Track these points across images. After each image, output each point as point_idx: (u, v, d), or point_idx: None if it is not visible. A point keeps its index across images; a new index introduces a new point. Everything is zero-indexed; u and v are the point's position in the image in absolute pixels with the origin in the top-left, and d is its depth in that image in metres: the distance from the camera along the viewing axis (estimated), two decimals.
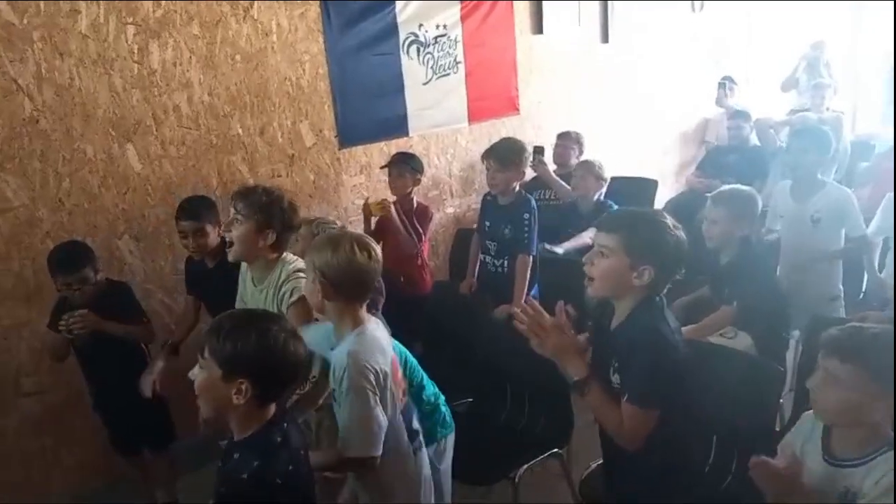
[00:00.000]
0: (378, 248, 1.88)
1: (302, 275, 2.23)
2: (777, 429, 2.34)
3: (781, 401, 2.45)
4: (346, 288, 1.81)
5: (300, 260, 2.33)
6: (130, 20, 2.95)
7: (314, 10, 3.51)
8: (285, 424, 1.56)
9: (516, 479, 2.45)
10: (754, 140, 5.24)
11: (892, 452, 1.49)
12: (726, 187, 2.93)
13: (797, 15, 6.43)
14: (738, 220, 2.75)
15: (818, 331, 2.70)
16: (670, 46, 5.57)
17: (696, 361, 2.31)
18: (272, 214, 2.29)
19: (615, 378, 1.73)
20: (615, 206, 3.80)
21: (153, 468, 2.98)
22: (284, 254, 2.37)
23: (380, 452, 1.77)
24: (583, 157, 4.26)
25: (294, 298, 2.22)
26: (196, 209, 2.74)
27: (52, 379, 2.92)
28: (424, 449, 2.02)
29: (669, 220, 1.75)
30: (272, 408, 1.55)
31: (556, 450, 2.60)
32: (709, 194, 2.94)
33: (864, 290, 3.27)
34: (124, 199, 3.04)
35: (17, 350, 2.86)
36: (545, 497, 2.80)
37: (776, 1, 6.18)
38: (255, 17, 3.32)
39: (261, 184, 2.61)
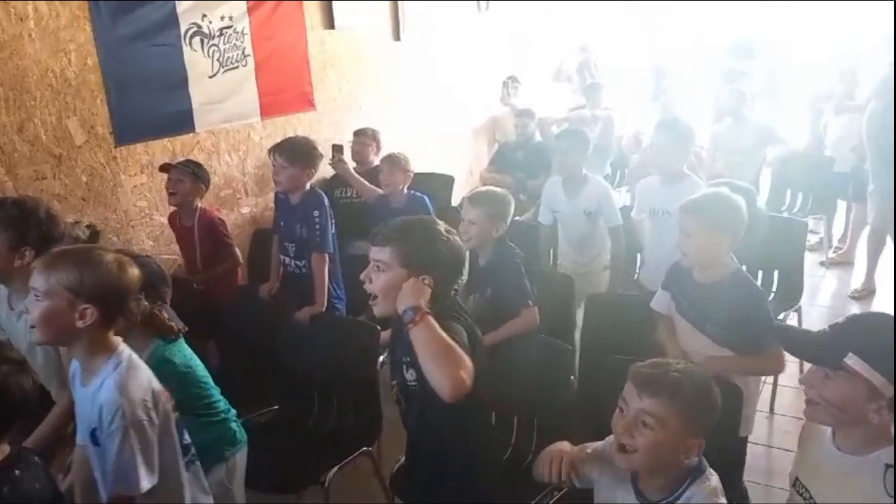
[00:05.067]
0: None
1: None
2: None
3: (573, 377, 2.62)
4: (109, 310, 1.62)
5: None
6: None
7: None
8: (17, 471, 1.37)
9: (326, 483, 2.39)
10: (538, 136, 5.60)
11: (699, 481, 1.53)
12: (482, 188, 3.02)
13: (571, 19, 6.98)
14: (493, 221, 2.76)
15: (596, 306, 2.98)
16: (459, 46, 5.78)
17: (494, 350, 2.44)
18: (27, 230, 2.03)
19: (409, 374, 1.71)
20: (426, 198, 3.85)
21: None
22: None
23: (155, 481, 1.63)
24: (382, 153, 4.28)
25: None
26: None
27: None
28: (198, 464, 1.90)
29: (442, 227, 1.75)
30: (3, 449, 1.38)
31: (365, 448, 2.57)
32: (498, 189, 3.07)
33: (638, 268, 3.61)
34: None
35: None
36: (357, 497, 2.76)
37: (552, 1, 6.67)
38: None
39: (9, 196, 2.29)
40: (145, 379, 1.66)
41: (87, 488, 1.78)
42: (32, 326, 1.62)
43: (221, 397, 2.13)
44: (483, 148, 6.35)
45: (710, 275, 2.29)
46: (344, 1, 4.57)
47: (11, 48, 2.96)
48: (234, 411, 2.19)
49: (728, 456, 2.06)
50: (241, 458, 2.18)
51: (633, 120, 5.99)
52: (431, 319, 1.55)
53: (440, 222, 1.79)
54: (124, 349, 1.68)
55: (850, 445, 1.49)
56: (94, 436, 1.62)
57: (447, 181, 4.84)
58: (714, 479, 1.56)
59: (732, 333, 2.23)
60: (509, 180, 5.03)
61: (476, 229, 2.77)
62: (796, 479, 1.64)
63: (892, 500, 1.18)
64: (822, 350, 1.49)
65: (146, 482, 1.60)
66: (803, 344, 1.59)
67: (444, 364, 1.49)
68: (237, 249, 3.51)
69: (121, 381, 1.60)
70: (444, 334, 1.53)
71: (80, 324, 1.58)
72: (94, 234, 2.48)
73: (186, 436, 1.85)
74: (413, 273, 1.66)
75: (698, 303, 2.32)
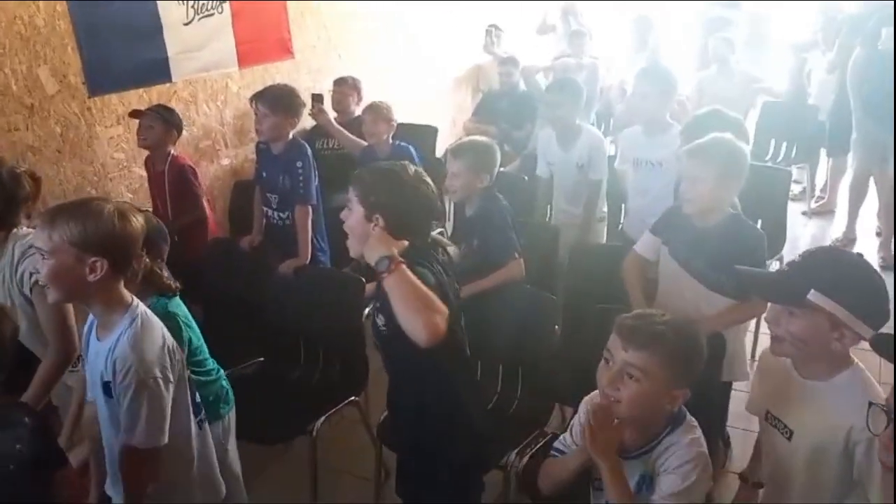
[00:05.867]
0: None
1: None
2: None
3: (556, 327, 2.63)
4: (118, 261, 1.59)
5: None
6: None
7: None
8: None
9: (314, 433, 2.41)
10: (522, 85, 5.53)
11: (678, 429, 1.56)
12: (466, 139, 2.96)
13: None
14: (478, 172, 2.70)
15: (579, 255, 2.98)
16: None
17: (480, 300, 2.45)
18: None
19: (379, 319, 1.76)
20: (412, 149, 3.78)
21: None
22: (15, 229, 2.07)
23: (165, 441, 1.65)
24: (363, 103, 4.20)
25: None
26: None
27: None
28: (207, 425, 1.90)
29: (412, 171, 1.77)
30: None
31: (353, 397, 2.59)
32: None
33: (622, 220, 3.61)
34: None
35: None
36: (345, 446, 2.80)
37: None
38: None
39: None
40: (160, 335, 1.65)
41: (99, 445, 1.79)
42: (41, 285, 1.61)
43: (210, 356, 2.12)
44: (466, 97, 6.26)
45: (711, 219, 2.29)
46: None
47: None
48: (222, 370, 2.18)
49: (711, 401, 2.10)
50: (233, 416, 2.18)
51: (618, 69, 5.91)
52: (405, 268, 1.55)
53: (415, 169, 1.79)
54: (139, 305, 1.67)
55: (812, 373, 1.58)
56: (107, 388, 1.62)
57: (430, 132, 4.77)
58: (696, 428, 1.58)
59: (730, 276, 2.20)
60: (493, 130, 4.97)
61: (460, 181, 2.74)
62: (767, 412, 1.69)
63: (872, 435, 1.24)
64: (785, 289, 1.55)
65: (157, 438, 1.61)
66: (767, 285, 1.67)
67: (418, 310, 1.50)
68: (205, 202, 3.43)
69: (136, 336, 1.59)
70: (417, 281, 1.54)
71: (91, 277, 1.56)
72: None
73: (197, 395, 1.86)
74: (367, 211, 1.71)
75: (697, 247, 2.31)
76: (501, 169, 3.15)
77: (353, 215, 1.74)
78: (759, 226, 3.46)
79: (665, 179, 3.01)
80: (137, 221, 1.64)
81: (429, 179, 1.80)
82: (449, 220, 4.08)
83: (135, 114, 3.29)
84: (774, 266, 3.62)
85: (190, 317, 2.03)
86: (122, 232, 1.59)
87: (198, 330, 2.05)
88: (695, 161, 2.25)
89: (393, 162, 1.88)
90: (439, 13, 5.65)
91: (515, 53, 5.63)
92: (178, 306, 1.98)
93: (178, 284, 1.95)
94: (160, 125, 3.24)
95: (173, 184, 3.29)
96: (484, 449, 1.98)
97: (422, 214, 1.79)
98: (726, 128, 2.50)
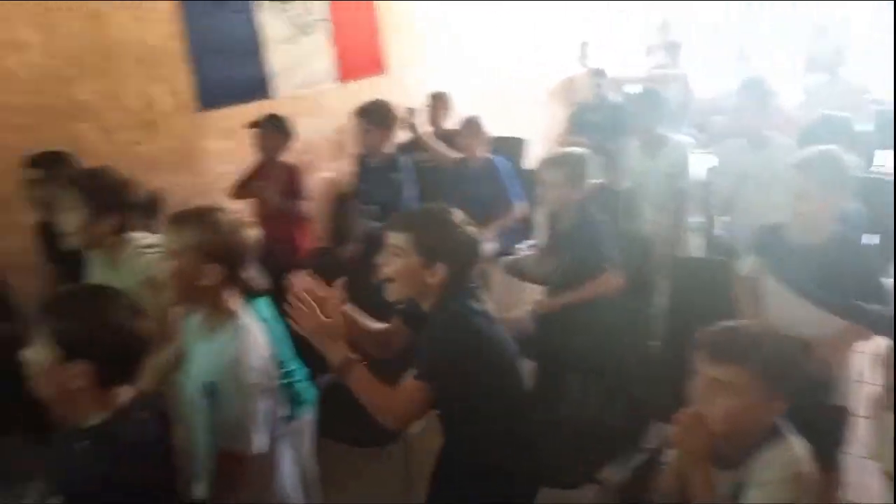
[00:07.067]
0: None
1: (151, 251, 2.06)
2: None
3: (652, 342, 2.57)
4: (231, 269, 1.68)
5: (148, 236, 2.17)
6: None
7: None
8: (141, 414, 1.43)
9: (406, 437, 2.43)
10: (615, 97, 5.45)
11: (775, 444, 1.47)
12: (560, 150, 2.94)
13: None
14: (573, 184, 2.67)
15: (675, 268, 2.90)
16: (535, 6, 5.63)
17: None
18: (103, 198, 2.08)
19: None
20: (504, 161, 3.81)
21: None
22: (131, 233, 2.18)
23: (260, 447, 1.68)
24: (455, 116, 4.25)
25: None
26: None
27: None
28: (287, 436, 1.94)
29: (458, 216, 1.73)
30: (123, 392, 1.41)
31: None
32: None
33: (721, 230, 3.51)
34: None
35: None
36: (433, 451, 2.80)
37: None
38: None
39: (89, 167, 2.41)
40: (264, 344, 1.72)
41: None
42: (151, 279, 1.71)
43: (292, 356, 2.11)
44: (559, 110, 6.22)
45: (816, 235, 2.19)
46: None
47: (99, 18, 3.05)
48: (304, 370, 2.15)
49: (822, 427, 1.99)
50: (308, 419, 2.16)
51: (715, 79, 5.75)
52: (357, 372, 1.62)
53: (456, 211, 1.75)
54: (245, 313, 1.73)
55: None
56: (206, 388, 1.66)
57: (517, 144, 4.77)
58: (796, 447, 1.48)
59: (838, 295, 2.12)
60: (585, 142, 4.90)
61: (555, 192, 2.72)
62: None
63: None
64: None
65: (258, 444, 1.66)
66: None
67: (377, 409, 1.63)
68: (307, 204, 3.51)
69: (246, 343, 1.66)
70: (370, 383, 1.62)
71: (204, 282, 1.64)
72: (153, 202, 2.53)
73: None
74: (426, 261, 1.66)
75: (802, 265, 2.21)
76: (595, 180, 3.12)
77: (404, 262, 1.67)
78: (877, 240, 3.31)
79: (768, 193, 2.91)
80: (251, 235, 1.73)
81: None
82: (539, 229, 4.06)
83: (252, 124, 3.46)
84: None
85: (276, 317, 1.99)
86: (240, 242, 1.68)
87: (280, 330, 2.00)
88: (801, 176, 2.18)
89: (437, 206, 1.81)
90: (534, 27, 5.64)
91: (610, 66, 5.57)
92: (264, 309, 1.98)
93: (264, 284, 1.95)
94: (275, 134, 3.38)
95: (283, 182, 3.40)
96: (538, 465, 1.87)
97: (473, 259, 1.75)
98: (837, 134, 2.39)
